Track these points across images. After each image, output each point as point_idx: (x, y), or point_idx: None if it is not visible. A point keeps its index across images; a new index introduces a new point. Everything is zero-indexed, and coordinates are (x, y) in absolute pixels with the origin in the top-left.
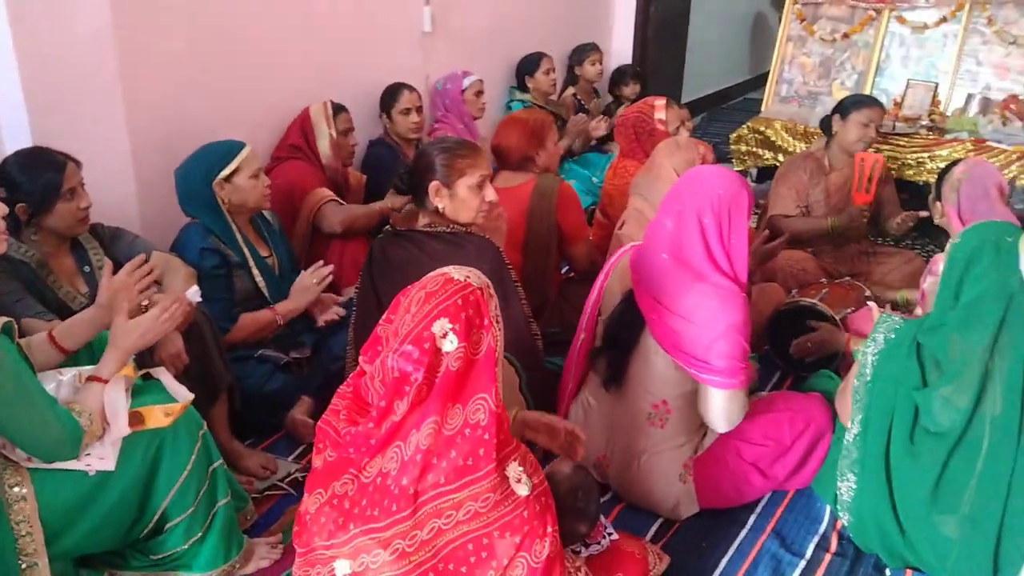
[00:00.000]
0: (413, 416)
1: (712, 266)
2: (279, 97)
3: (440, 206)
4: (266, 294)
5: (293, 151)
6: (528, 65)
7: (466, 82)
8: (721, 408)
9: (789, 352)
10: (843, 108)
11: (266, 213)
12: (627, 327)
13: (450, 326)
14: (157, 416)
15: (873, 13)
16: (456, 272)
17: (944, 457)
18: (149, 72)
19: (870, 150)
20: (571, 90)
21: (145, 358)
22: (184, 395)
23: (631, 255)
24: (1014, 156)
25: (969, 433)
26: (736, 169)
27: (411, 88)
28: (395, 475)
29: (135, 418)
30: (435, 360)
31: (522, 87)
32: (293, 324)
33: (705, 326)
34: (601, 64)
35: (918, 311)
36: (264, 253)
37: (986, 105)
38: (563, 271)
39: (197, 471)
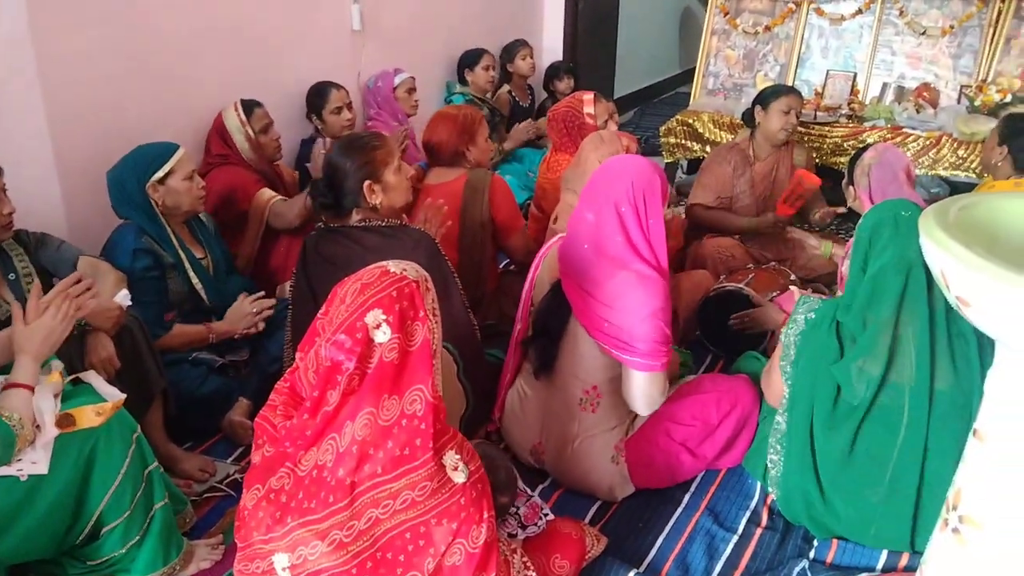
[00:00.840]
0: (347, 407)
1: (633, 253)
2: (206, 99)
3: (377, 202)
4: (203, 295)
5: (220, 158)
6: (468, 59)
7: (397, 79)
8: (642, 390)
9: (719, 336)
10: (763, 99)
11: (201, 215)
12: (555, 316)
13: (383, 317)
14: (88, 416)
15: (793, 6)
16: (393, 265)
17: (857, 423)
18: (71, 76)
19: (795, 136)
20: (506, 87)
21: (76, 363)
22: (115, 395)
23: (558, 247)
24: (928, 142)
25: (882, 400)
26: (666, 161)
27: (338, 86)
28: (331, 467)
29: (66, 420)
30: (367, 350)
31: (462, 81)
32: None
33: (628, 312)
34: (532, 59)
35: (838, 293)
36: (199, 255)
37: (901, 93)
38: (503, 264)
39: (132, 474)
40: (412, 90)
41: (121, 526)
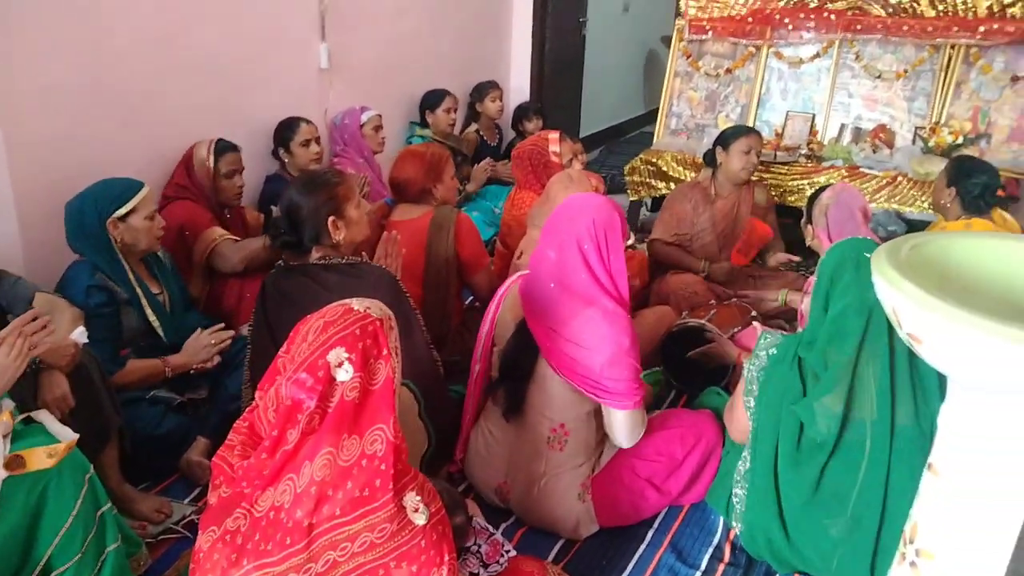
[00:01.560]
0: (306, 447)
1: (598, 288)
2: (171, 134)
3: (340, 237)
4: (159, 332)
5: (180, 190)
6: (430, 101)
7: (364, 117)
8: (623, 426)
9: (682, 371)
10: (724, 140)
11: (159, 252)
12: (522, 356)
13: (346, 355)
14: (39, 458)
15: (753, 49)
16: (357, 303)
17: (824, 461)
18: (31, 108)
19: (755, 176)
20: (474, 127)
21: (29, 402)
22: (67, 435)
23: (520, 285)
24: (884, 181)
25: (846, 437)
26: (631, 199)
27: (307, 120)
28: (288, 508)
29: (16, 461)
30: (328, 389)
31: (423, 122)
32: None
33: (596, 350)
34: (501, 101)
35: (799, 328)
36: (155, 290)
37: (858, 134)
38: (468, 300)
39: (84, 516)
40: (379, 127)
41: (71, 570)
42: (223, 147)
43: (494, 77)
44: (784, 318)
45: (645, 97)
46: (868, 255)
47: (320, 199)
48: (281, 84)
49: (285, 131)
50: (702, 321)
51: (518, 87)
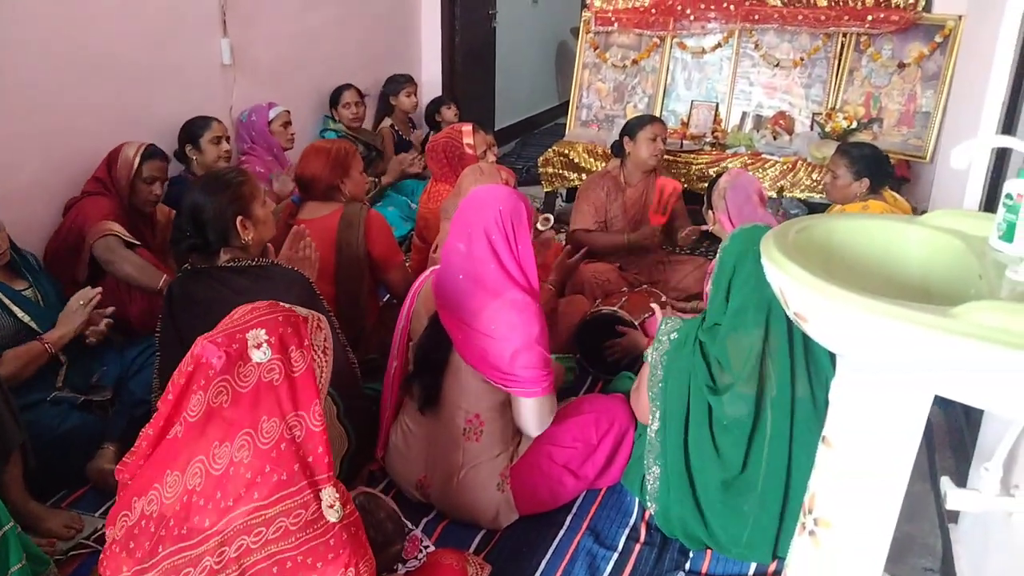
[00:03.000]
0: (218, 427)
1: (507, 279)
2: (66, 137)
3: (249, 238)
4: (34, 327)
5: (98, 185)
6: (332, 97)
7: (272, 113)
8: (532, 414)
9: (596, 357)
10: (630, 129)
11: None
12: (436, 349)
13: (265, 337)
14: None
15: (658, 40)
16: (284, 304)
17: (746, 446)
18: None
19: (664, 168)
20: (388, 121)
21: None
22: None
23: (432, 279)
24: (785, 166)
25: (759, 418)
26: (545, 190)
27: (216, 120)
28: (201, 490)
29: None
30: (241, 361)
31: (332, 117)
32: (88, 364)
33: (506, 340)
34: (416, 97)
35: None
36: (21, 287)
37: (759, 121)
38: (385, 297)
39: None
40: (287, 123)
41: None
42: (152, 152)
43: (405, 71)
44: (694, 300)
45: (558, 89)
46: None
47: (225, 198)
48: (181, 81)
49: (194, 128)
50: (614, 308)
51: (430, 80)
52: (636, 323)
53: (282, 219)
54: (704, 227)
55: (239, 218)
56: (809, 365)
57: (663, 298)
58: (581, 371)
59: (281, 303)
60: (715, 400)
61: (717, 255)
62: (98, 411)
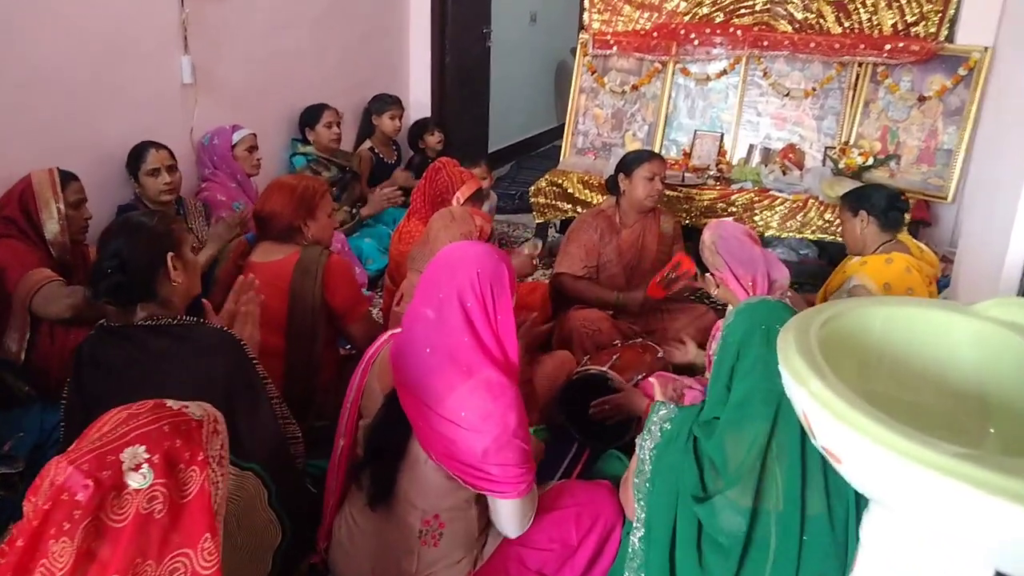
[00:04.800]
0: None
1: (483, 355)
2: (7, 164)
3: (179, 281)
4: None
5: (6, 225)
6: (308, 116)
7: (236, 136)
8: (511, 517)
9: (584, 422)
10: (625, 166)
11: None
12: (391, 436)
13: (145, 455)
14: None
15: (659, 65)
16: (173, 403)
17: (735, 567)
18: None
19: (664, 204)
20: (368, 143)
21: None
22: None
23: (391, 349)
24: (795, 204)
25: (755, 533)
26: (537, 221)
27: (159, 146)
28: None
29: None
30: (113, 492)
31: (304, 140)
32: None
33: (477, 431)
34: (400, 121)
35: (707, 375)
36: None
37: (767, 155)
38: (348, 347)
39: None
40: (253, 148)
41: None
42: (66, 176)
43: (391, 91)
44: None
45: (557, 110)
46: (780, 327)
47: (153, 233)
48: (136, 101)
49: (132, 158)
50: (603, 369)
51: (417, 101)
52: (627, 386)
53: (232, 258)
54: (698, 283)
55: (170, 255)
56: (827, 474)
57: (660, 353)
58: (558, 442)
59: (167, 403)
60: (701, 510)
61: (719, 333)
62: (3, 489)
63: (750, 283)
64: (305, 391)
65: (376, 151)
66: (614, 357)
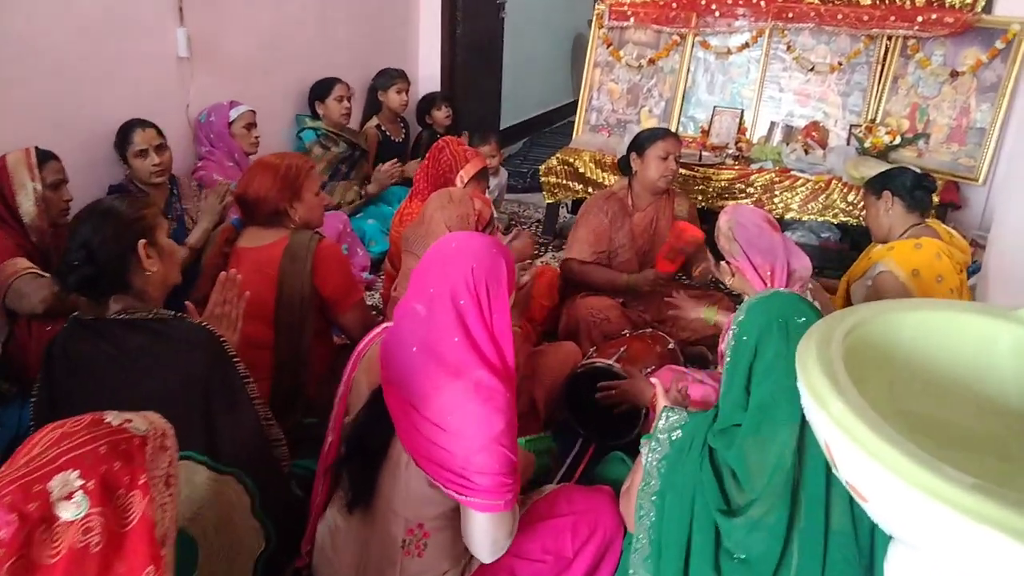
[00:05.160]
0: None
1: (475, 356)
2: None
3: (154, 269)
4: None
5: None
6: (319, 90)
7: (233, 113)
8: (485, 534)
9: (589, 417)
10: (638, 145)
11: None
12: (373, 433)
13: (79, 482)
14: None
15: (678, 38)
16: (114, 416)
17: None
18: None
19: (680, 184)
20: (374, 120)
21: None
22: None
23: (381, 343)
24: (817, 186)
25: (784, 553)
26: (547, 202)
27: (145, 124)
28: None
29: None
30: (43, 526)
31: (313, 114)
32: None
33: (463, 436)
34: (407, 95)
35: (719, 368)
36: None
37: (788, 133)
38: (341, 336)
39: None
40: (252, 125)
41: None
42: (44, 155)
43: (399, 66)
44: (708, 344)
45: (573, 85)
46: (800, 319)
47: (125, 219)
48: (129, 76)
49: (120, 138)
50: (610, 362)
51: (428, 76)
52: (639, 373)
53: (217, 244)
54: (715, 272)
55: (142, 242)
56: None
57: (671, 344)
58: (569, 433)
59: (105, 418)
60: (728, 526)
61: (730, 328)
62: None
63: (768, 273)
64: (294, 385)
65: (383, 128)
66: (621, 349)
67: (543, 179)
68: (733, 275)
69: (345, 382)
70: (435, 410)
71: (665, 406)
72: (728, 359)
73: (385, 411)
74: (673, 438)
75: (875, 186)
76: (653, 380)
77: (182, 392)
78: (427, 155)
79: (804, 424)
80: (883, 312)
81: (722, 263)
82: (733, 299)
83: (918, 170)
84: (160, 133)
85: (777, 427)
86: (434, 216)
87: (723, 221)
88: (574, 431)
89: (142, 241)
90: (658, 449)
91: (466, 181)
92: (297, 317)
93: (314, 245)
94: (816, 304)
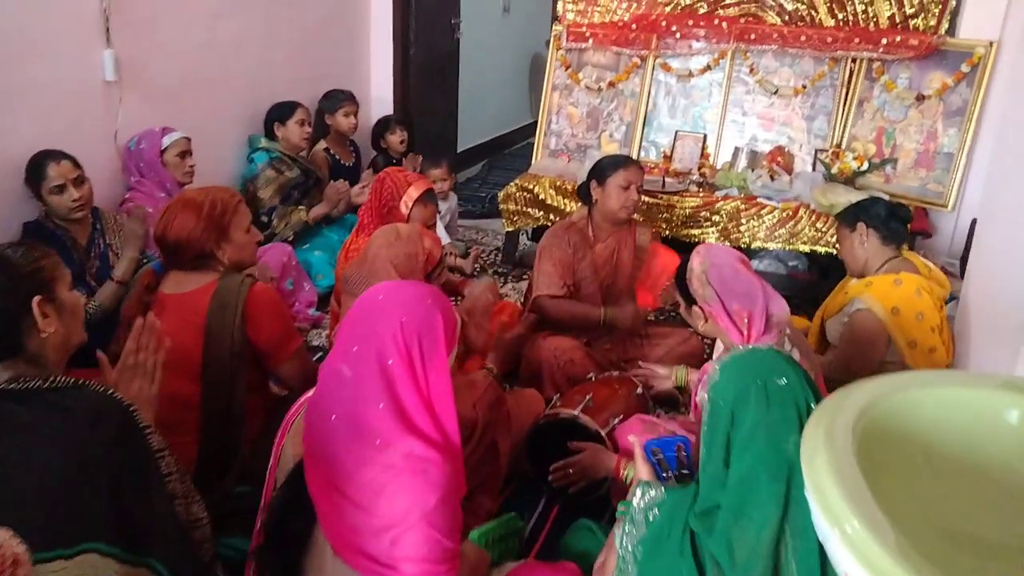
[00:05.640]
0: None
1: (402, 427)
2: None
3: (51, 331)
4: None
5: None
6: (279, 112)
7: (166, 140)
8: None
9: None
10: (599, 173)
11: None
12: (293, 517)
13: None
14: None
15: (638, 60)
16: None
17: None
18: None
19: (643, 211)
20: (323, 144)
21: None
22: None
23: (307, 407)
24: (785, 214)
25: None
26: (507, 229)
27: (59, 157)
28: None
29: None
30: None
31: (269, 136)
32: None
33: (386, 518)
34: (356, 117)
35: (691, 416)
36: None
37: (753, 158)
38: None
39: None
40: (187, 153)
41: None
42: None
43: (350, 87)
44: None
45: (531, 106)
46: (781, 381)
47: (15, 276)
48: (48, 102)
49: (32, 173)
50: (574, 413)
51: (379, 97)
52: (601, 432)
53: (137, 291)
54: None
55: (37, 299)
56: None
57: (638, 388)
58: (532, 491)
59: None
60: None
61: (704, 392)
62: None
63: (745, 320)
64: (225, 447)
65: (332, 152)
66: (587, 397)
67: (502, 206)
68: (706, 320)
69: (274, 452)
70: (357, 489)
71: (641, 481)
72: (705, 426)
73: (305, 490)
74: (650, 518)
75: (848, 218)
76: (630, 438)
77: (82, 475)
78: (371, 189)
79: (788, 502)
80: (896, 391)
81: (694, 308)
82: (701, 338)
83: (887, 197)
84: (76, 164)
85: (759, 506)
86: (379, 254)
87: (696, 263)
88: (536, 485)
89: (37, 298)
90: (634, 532)
91: (411, 206)
92: (226, 371)
93: (245, 290)
94: (795, 353)
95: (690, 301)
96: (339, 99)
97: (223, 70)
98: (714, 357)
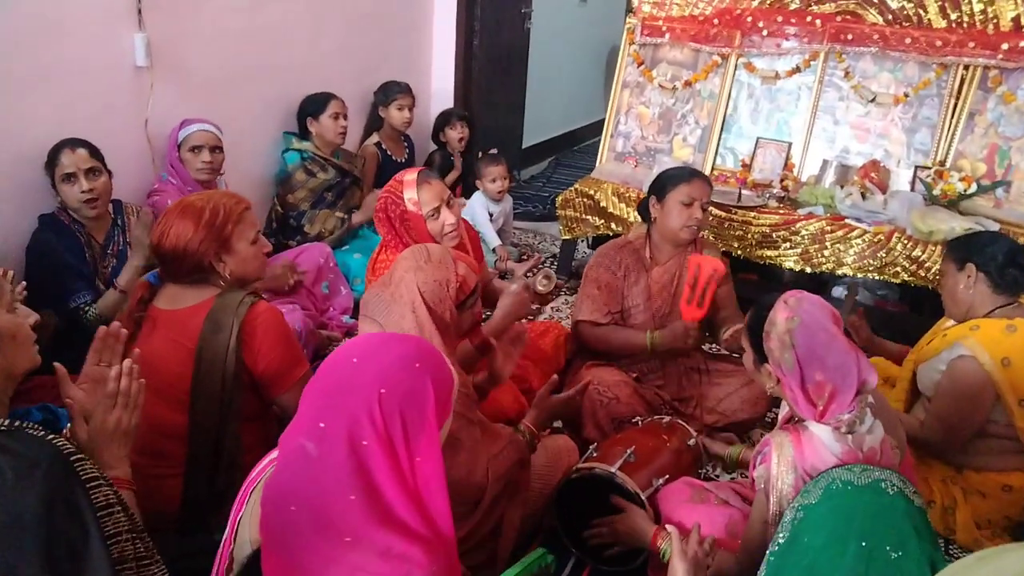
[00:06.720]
0: None
1: (377, 521)
2: None
3: None
4: None
5: None
6: (311, 106)
7: (182, 134)
8: None
9: (581, 536)
10: (658, 187)
11: None
12: None
13: None
14: None
15: (719, 58)
16: None
17: None
18: None
19: (712, 227)
20: (375, 138)
21: None
22: None
23: (264, 488)
24: (878, 238)
25: None
26: (564, 237)
27: (76, 144)
28: None
29: None
30: None
31: (303, 133)
32: None
33: None
34: (411, 112)
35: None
36: None
37: (843, 173)
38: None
39: None
40: (202, 148)
41: None
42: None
43: (408, 79)
44: (736, 429)
45: (606, 100)
46: (893, 555)
47: None
48: (76, 89)
49: (47, 163)
50: (612, 469)
51: (441, 90)
52: (642, 495)
53: (130, 307)
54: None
55: None
56: None
57: (691, 439)
58: (562, 553)
59: None
60: None
61: (768, 451)
62: None
63: (826, 395)
64: (213, 486)
65: (383, 147)
66: (628, 451)
67: (559, 211)
68: (774, 384)
69: (231, 524)
70: None
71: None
72: (775, 548)
73: None
74: None
75: (957, 253)
76: (668, 528)
77: (9, 539)
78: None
79: None
80: None
81: (764, 366)
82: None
83: (997, 226)
84: (94, 154)
85: None
86: (404, 278)
87: (781, 318)
88: (565, 547)
89: None
90: None
91: (418, 198)
92: (217, 401)
93: (244, 311)
94: (878, 428)
95: (763, 358)
96: (394, 91)
97: (265, 58)
98: (779, 419)
